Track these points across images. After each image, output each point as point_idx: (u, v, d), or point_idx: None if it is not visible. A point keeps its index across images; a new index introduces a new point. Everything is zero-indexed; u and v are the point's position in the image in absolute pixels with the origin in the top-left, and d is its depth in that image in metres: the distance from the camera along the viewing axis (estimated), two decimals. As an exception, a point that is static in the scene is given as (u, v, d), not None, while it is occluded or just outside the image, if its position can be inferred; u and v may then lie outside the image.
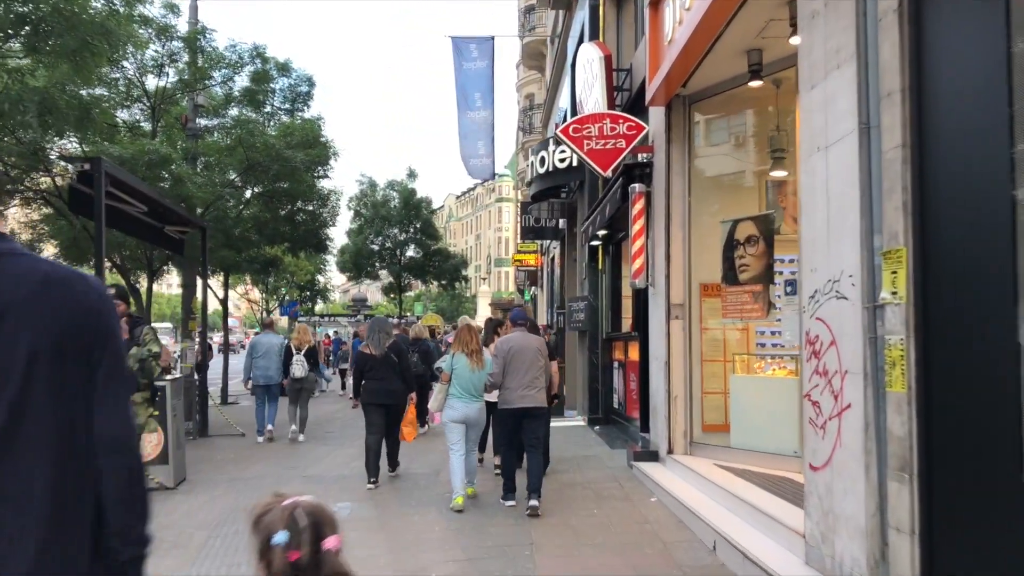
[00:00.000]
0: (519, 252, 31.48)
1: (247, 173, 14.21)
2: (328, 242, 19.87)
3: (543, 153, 14.06)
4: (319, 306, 55.49)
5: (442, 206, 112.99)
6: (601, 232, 11.75)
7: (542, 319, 29.69)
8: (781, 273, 7.64)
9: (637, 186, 8.92)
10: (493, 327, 9.42)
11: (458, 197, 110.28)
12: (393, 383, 8.48)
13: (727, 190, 8.87)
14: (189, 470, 9.23)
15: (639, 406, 10.47)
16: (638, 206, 8.90)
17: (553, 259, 22.79)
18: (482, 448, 9.13)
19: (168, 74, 13.98)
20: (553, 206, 15.40)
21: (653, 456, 8.68)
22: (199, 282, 20.58)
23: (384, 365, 8.48)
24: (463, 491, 7.18)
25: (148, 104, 13.99)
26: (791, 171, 7.96)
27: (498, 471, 8.14)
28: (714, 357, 8.39)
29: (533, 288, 36.00)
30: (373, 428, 8.49)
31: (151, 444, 8.18)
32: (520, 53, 31.08)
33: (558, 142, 13.93)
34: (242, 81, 14.86)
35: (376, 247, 31.78)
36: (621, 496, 7.62)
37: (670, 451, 8.28)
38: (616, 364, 12.45)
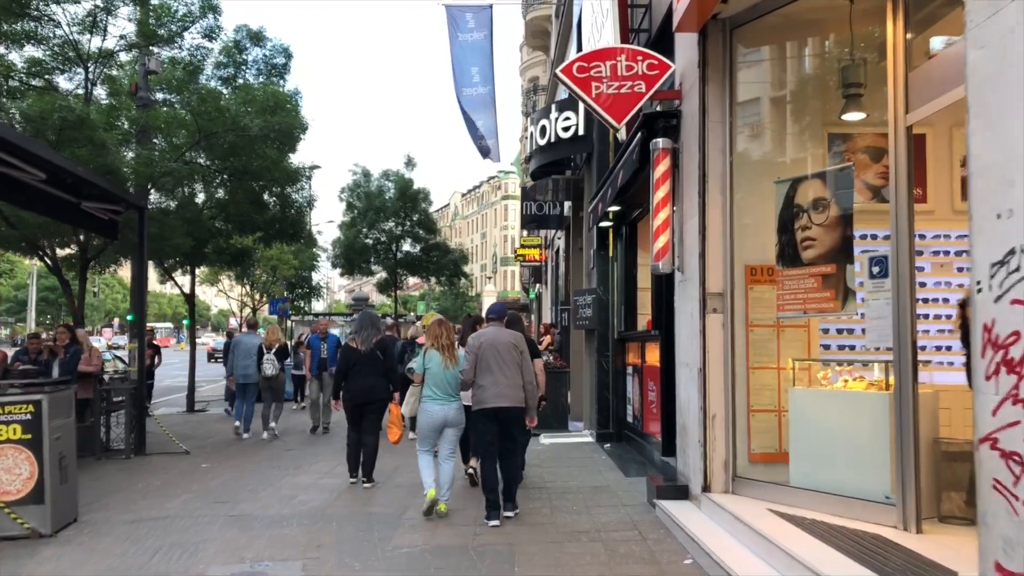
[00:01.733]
0: (522, 247, 29.43)
1: (201, 146, 12.20)
2: (306, 231, 17.74)
3: (544, 122, 12.03)
4: (318, 305, 53.59)
5: (447, 204, 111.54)
6: (613, 209, 9.72)
7: (546, 317, 27.68)
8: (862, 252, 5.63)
9: (660, 142, 6.89)
10: (472, 324, 8.16)
11: (464, 195, 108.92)
12: (374, 380, 8.14)
13: (781, 143, 6.81)
14: (91, 505, 7.27)
15: (660, 422, 8.46)
16: (662, 167, 6.87)
17: (558, 251, 20.75)
18: (465, 458, 8.19)
19: (106, 31, 11.98)
20: (557, 185, 13.33)
21: (682, 492, 6.65)
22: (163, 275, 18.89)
23: (368, 361, 8.20)
24: (432, 483, 6.74)
25: (82, 67, 11.96)
26: (871, 113, 5.91)
27: (471, 474, 7.92)
28: (765, 363, 6.34)
29: (538, 286, 33.97)
30: (355, 427, 8.30)
31: (18, 477, 6.19)
32: (523, 32, 29.04)
33: (561, 108, 11.91)
34: (193, 39, 12.83)
35: (370, 241, 29.71)
36: (643, 556, 5.57)
37: (706, 488, 6.25)
38: (630, 369, 10.41)
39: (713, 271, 6.35)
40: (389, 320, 26.02)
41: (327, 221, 36.23)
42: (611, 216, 10.46)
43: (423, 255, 30.18)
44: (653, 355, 9.32)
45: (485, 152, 20.23)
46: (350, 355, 8.28)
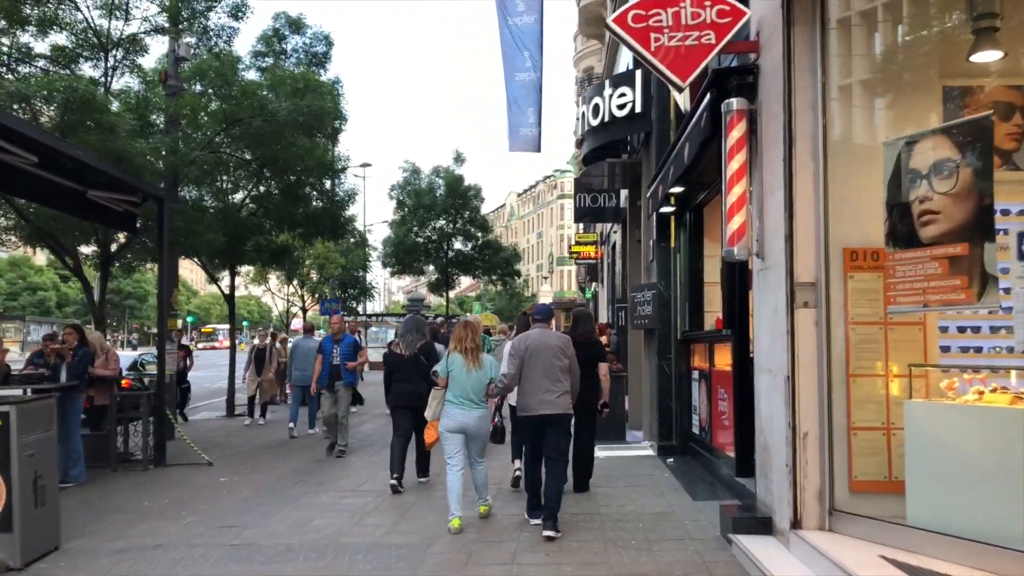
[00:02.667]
0: (577, 243, 28.28)
1: (228, 134, 11.42)
2: (348, 227, 16.91)
3: (596, 100, 10.88)
4: (373, 306, 53.37)
5: (503, 205, 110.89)
6: (676, 191, 8.53)
7: (602, 317, 26.47)
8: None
9: (734, 102, 5.70)
10: (527, 323, 7.60)
11: (519, 195, 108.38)
12: (420, 385, 7.85)
13: (887, 97, 5.55)
14: (82, 529, 6.46)
15: (733, 437, 7.26)
16: (736, 133, 5.69)
17: (614, 247, 19.55)
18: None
19: (128, 13, 11.27)
20: (612, 170, 12.13)
21: (764, 526, 5.45)
22: (199, 272, 18.18)
23: (411, 366, 8.10)
24: (459, 512, 6.31)
25: (103, 53, 11.28)
26: (1011, 50, 4.65)
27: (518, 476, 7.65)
28: (868, 369, 5.11)
29: (594, 285, 32.77)
30: (400, 431, 8.16)
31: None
32: (577, 20, 27.87)
33: (616, 83, 10.75)
34: (219, 19, 12.05)
35: (420, 240, 28.94)
36: (720, 612, 4.41)
37: (796, 523, 5.05)
38: (696, 374, 9.21)
39: (803, 256, 5.15)
40: (440, 319, 25.21)
41: (381, 221, 35.38)
42: (673, 201, 9.27)
43: (475, 253, 29.33)
44: (723, 358, 8.11)
45: (530, 142, 19.17)
46: (393, 359, 8.36)
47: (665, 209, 9.40)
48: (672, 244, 9.92)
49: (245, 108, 10.94)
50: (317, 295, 30.93)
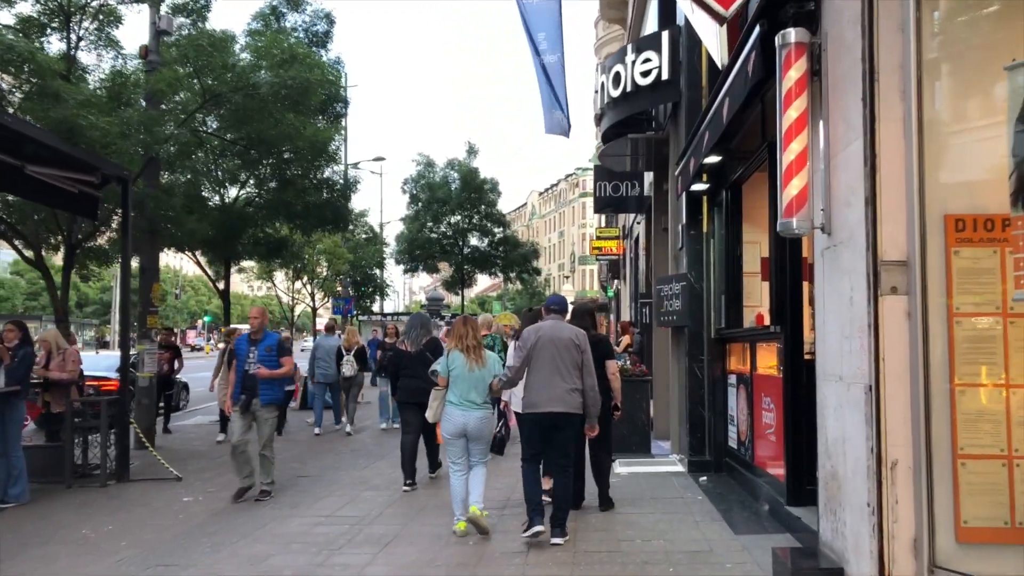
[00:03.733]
0: (598, 238, 26.95)
1: (208, 110, 10.29)
2: (349, 217, 15.75)
3: (617, 67, 9.60)
4: (391, 306, 52.35)
5: (524, 204, 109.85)
6: (711, 160, 7.25)
7: (624, 315, 25.12)
8: None
9: (792, 33, 4.44)
10: (532, 318, 7.25)
11: (541, 193, 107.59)
12: (427, 381, 7.13)
13: (1002, 13, 4.24)
14: (-9, 566, 5.29)
15: (784, 456, 5.98)
16: (795, 72, 4.43)
17: (637, 239, 18.25)
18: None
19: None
20: (636, 147, 10.79)
21: (835, 580, 4.18)
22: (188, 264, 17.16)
23: (418, 362, 7.88)
24: (463, 515, 6.06)
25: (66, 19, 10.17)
26: None
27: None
28: (982, 377, 3.82)
29: (616, 282, 31.46)
30: (409, 428, 8.03)
31: None
32: (598, 5, 26.58)
33: (639, 48, 9.48)
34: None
35: (435, 236, 27.79)
36: None
37: (883, 582, 3.78)
38: (733, 379, 7.93)
39: (890, 226, 3.88)
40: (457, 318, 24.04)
41: (399, 219, 34.25)
42: (706, 178, 8.00)
43: (491, 250, 28.13)
44: (768, 360, 6.84)
45: (556, 127, 17.98)
46: (399, 356, 8.39)
47: (697, 187, 8.11)
48: (705, 229, 8.63)
49: (226, 82, 9.79)
50: (328, 293, 29.90)
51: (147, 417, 10.79)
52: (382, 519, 6.65)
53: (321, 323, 35.37)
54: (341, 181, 14.37)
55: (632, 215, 19.72)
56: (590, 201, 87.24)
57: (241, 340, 7.81)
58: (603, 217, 35.17)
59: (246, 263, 22.50)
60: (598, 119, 10.55)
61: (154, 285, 11.29)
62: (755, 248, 7.83)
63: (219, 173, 12.72)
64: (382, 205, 58.35)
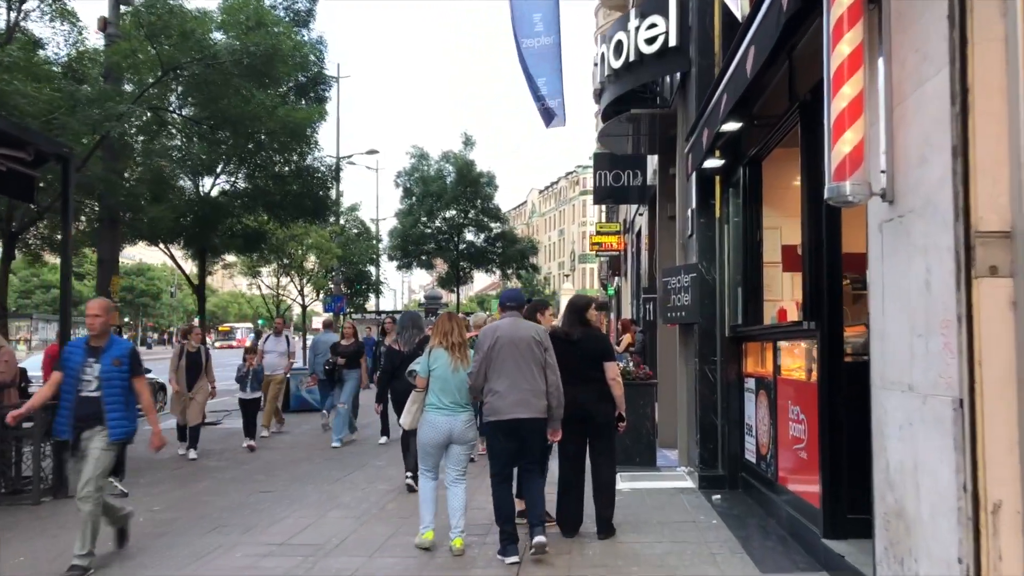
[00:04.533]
0: (598, 233, 25.96)
1: (168, 85, 9.30)
2: (331, 207, 14.73)
3: (619, 35, 8.60)
4: (387, 304, 51.50)
5: (524, 202, 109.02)
6: (730, 128, 6.28)
7: (625, 313, 24.15)
8: None
9: (844, -54, 3.46)
10: (533, 312, 6.19)
11: (541, 192, 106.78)
12: None
13: None
14: None
15: (818, 477, 5.01)
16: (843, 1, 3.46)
17: (639, 233, 17.27)
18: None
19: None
20: (637, 126, 9.78)
21: (905, 652, 3.20)
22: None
23: (412, 361, 6.88)
24: (432, 523, 5.53)
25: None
26: None
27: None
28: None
29: (616, 279, 30.50)
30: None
31: None
32: (598, -9, 25.59)
33: (644, 12, 8.48)
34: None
35: (429, 230, 26.79)
36: None
37: (979, 665, 2.79)
38: (751, 383, 6.95)
39: (988, 185, 2.90)
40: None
41: (393, 214, 33.03)
42: (720, 153, 7.02)
43: (487, 245, 27.13)
44: (795, 361, 5.86)
45: (550, 116, 16.98)
46: (394, 356, 8.06)
47: (710, 164, 7.11)
48: (717, 214, 7.64)
49: (185, 51, 8.80)
50: (320, 290, 28.84)
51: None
52: (344, 548, 5.68)
53: (318, 321, 34.38)
54: (322, 169, 13.35)
55: (634, 208, 18.75)
56: (591, 199, 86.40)
57: (74, 347, 5.50)
58: (603, 212, 34.22)
59: (231, 258, 21.52)
60: (597, 94, 9.55)
61: (112, 279, 10.34)
62: (775, 234, 6.87)
63: (190, 161, 11.74)
64: (378, 202, 57.31)
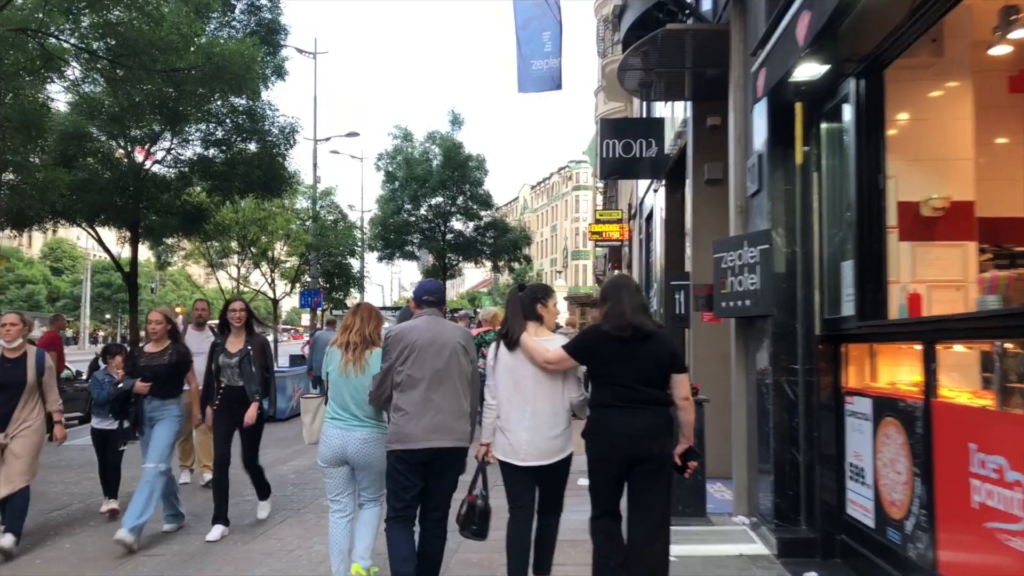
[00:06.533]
0: (597, 222, 23.62)
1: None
2: (287, 179, 12.26)
3: (651, -78, 6.30)
4: (375, 299, 49.31)
5: (516, 198, 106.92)
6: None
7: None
8: None
9: None
10: (531, 300, 4.33)
11: (533, 187, 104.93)
12: None
13: None
14: None
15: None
16: None
17: (649, 216, 14.94)
18: (544, 568, 4.27)
19: None
20: (671, 55, 7.26)
21: None
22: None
23: None
24: (340, 566, 4.48)
25: None
26: None
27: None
28: None
29: (616, 272, 28.21)
30: None
31: None
32: (598, -46, 23.26)
33: None
34: None
35: (413, 219, 24.39)
36: None
37: None
38: (868, 406, 4.60)
39: None
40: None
41: (375, 201, 30.20)
42: (816, 53, 4.66)
43: (476, 235, 24.76)
44: (974, 376, 3.54)
45: (547, 78, 14.68)
46: None
47: (804, 74, 4.73)
48: (799, 159, 5.32)
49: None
50: (294, 283, 26.34)
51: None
52: None
53: (309, 318, 31.95)
54: (273, 131, 10.97)
55: (642, 189, 16.45)
56: (583, 194, 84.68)
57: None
58: (599, 201, 31.90)
59: (187, 244, 19.08)
60: (617, 14, 7.20)
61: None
62: (911, 184, 4.56)
63: (97, 111, 9.38)
64: (363, 192, 54.86)
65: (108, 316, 71.59)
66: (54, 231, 11.02)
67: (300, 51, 25.62)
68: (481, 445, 4.27)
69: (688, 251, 8.11)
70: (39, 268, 64.70)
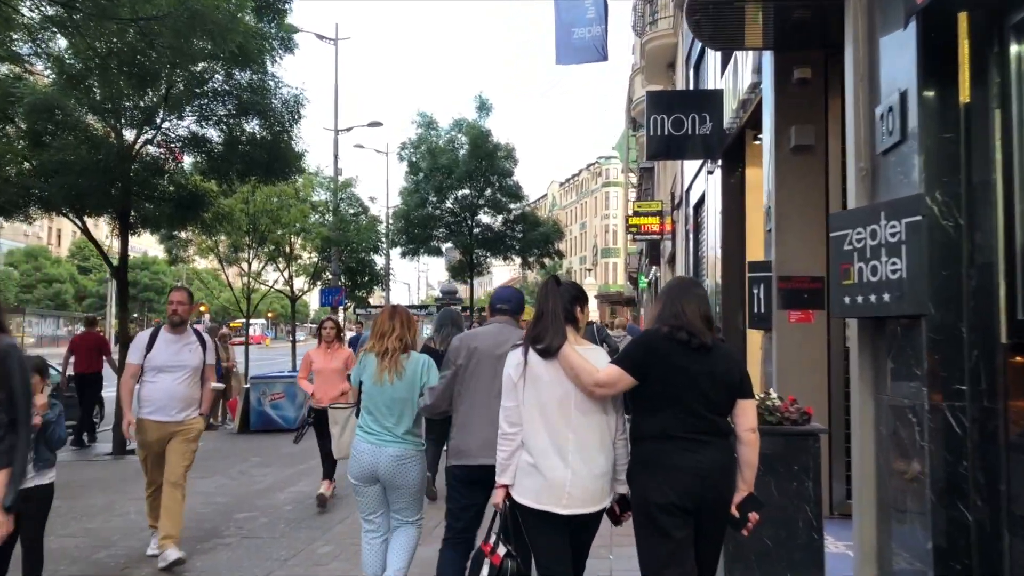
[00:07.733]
0: (635, 215, 22.05)
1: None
2: (297, 160, 10.86)
3: None
4: (402, 298, 48.20)
5: (545, 195, 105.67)
6: None
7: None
8: None
9: None
10: (572, 297, 3.59)
11: (561, 184, 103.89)
12: None
13: None
14: None
15: None
16: None
17: (701, 200, 13.39)
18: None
19: None
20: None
21: None
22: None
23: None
24: None
25: None
26: None
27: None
28: None
29: (654, 269, 26.63)
30: (432, 435, 6.94)
31: None
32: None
33: None
34: None
35: (438, 212, 23.00)
36: None
37: None
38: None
39: None
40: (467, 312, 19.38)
41: (397, 193, 28.72)
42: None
43: (506, 229, 23.30)
44: None
45: (591, 47, 13.26)
46: (430, 355, 6.59)
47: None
48: (965, 96, 3.80)
49: None
50: (315, 279, 25.00)
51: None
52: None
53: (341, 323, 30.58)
54: (275, 104, 9.61)
55: (688, 176, 14.92)
56: (613, 191, 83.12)
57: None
58: (635, 193, 30.31)
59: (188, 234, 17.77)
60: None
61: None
62: None
63: (76, 83, 8.13)
64: (387, 187, 53.60)
65: (135, 315, 71.43)
66: (29, 220, 9.77)
67: (320, 37, 24.40)
68: (498, 487, 3.25)
69: (772, 235, 6.58)
70: (67, 267, 64.65)
